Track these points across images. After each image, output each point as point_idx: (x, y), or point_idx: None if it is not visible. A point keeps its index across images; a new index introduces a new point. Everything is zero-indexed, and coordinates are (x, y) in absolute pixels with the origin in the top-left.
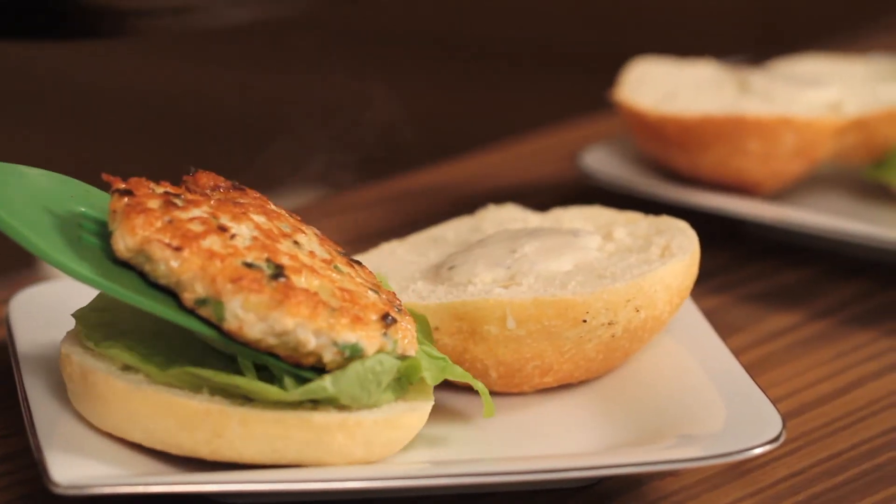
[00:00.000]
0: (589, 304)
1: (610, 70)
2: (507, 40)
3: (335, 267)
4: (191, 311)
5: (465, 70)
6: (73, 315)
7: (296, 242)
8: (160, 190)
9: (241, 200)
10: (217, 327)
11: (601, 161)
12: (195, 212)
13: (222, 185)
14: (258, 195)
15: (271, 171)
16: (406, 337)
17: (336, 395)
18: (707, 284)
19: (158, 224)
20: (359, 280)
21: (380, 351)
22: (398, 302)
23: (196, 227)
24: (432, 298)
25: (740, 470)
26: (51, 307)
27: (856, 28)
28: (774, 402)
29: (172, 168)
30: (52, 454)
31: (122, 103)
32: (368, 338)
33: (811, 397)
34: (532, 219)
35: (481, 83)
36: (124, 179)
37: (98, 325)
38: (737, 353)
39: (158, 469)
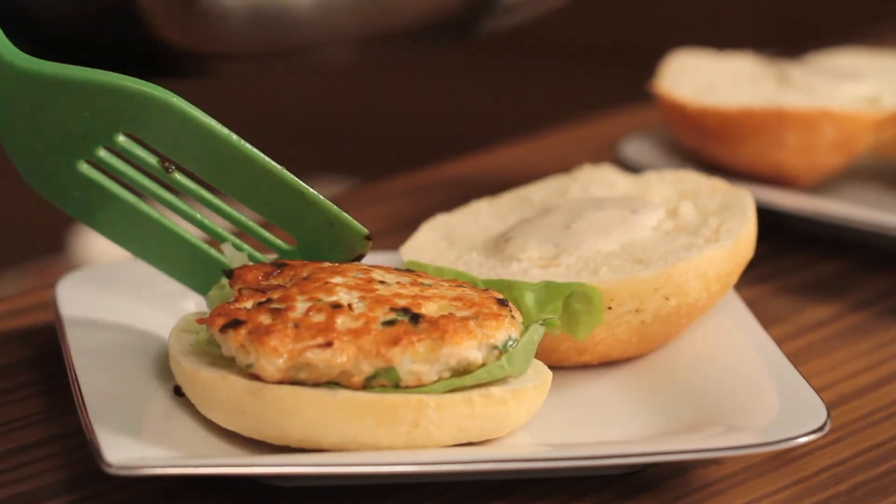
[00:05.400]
0: (614, 293)
1: (645, 62)
2: (548, 33)
3: (420, 283)
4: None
5: (507, 62)
6: (181, 330)
7: (382, 282)
8: (246, 304)
9: (303, 274)
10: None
11: (640, 152)
12: (299, 305)
13: (269, 270)
14: (301, 261)
15: (304, 161)
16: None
17: (511, 373)
18: (746, 275)
19: (290, 333)
20: (444, 284)
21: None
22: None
23: (318, 317)
24: (474, 273)
25: (784, 459)
26: (97, 289)
27: (886, 22)
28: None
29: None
30: (104, 435)
31: None
32: (511, 325)
33: (851, 388)
34: (621, 182)
35: (522, 75)
36: None
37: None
38: (777, 343)
39: (209, 451)
